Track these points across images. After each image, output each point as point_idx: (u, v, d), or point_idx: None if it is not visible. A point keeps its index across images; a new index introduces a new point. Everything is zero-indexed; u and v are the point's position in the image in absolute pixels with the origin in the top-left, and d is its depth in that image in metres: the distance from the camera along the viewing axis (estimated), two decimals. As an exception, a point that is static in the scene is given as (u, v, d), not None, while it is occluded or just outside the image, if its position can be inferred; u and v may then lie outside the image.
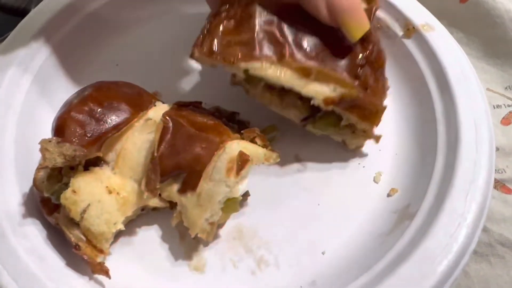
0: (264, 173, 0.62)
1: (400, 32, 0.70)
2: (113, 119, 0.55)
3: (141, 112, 0.57)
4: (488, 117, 0.60)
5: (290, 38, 0.54)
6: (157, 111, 0.58)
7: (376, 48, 0.58)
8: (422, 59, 0.67)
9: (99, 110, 0.55)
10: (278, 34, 0.54)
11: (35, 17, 0.71)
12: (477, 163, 0.56)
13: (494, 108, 0.69)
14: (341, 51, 0.56)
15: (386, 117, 0.65)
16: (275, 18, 0.55)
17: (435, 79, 0.64)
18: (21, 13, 0.82)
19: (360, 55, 0.56)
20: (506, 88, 0.71)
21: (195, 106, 0.61)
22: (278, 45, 0.54)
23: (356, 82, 0.54)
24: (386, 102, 0.67)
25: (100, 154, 0.52)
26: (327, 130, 0.60)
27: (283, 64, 0.53)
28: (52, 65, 0.70)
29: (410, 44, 0.68)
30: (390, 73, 0.69)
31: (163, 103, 0.63)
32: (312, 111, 0.58)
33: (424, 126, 0.63)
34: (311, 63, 0.54)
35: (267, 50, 0.53)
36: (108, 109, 0.56)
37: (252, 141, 0.55)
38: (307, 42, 0.55)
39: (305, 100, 0.56)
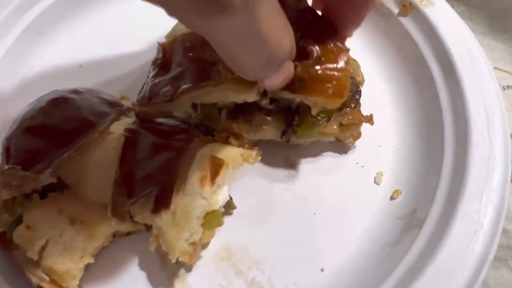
0: (251, 181, 0.55)
1: (395, 9, 0.62)
2: (70, 137, 0.48)
3: (103, 126, 0.49)
4: (500, 101, 0.53)
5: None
6: (121, 124, 0.51)
7: (307, 15, 0.51)
8: (422, 39, 0.59)
9: (53, 127, 0.48)
10: (206, 58, 0.51)
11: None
12: (491, 157, 0.49)
13: (504, 89, 0.62)
14: None
15: (384, 107, 0.59)
16: (197, 46, 0.53)
17: (438, 62, 0.57)
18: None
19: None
20: (516, 65, 0.63)
21: (166, 117, 0.53)
22: (211, 66, 0.51)
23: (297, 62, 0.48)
24: (382, 89, 0.61)
25: (53, 180, 0.45)
26: (313, 135, 0.53)
27: (224, 81, 0.49)
28: (6, 69, 0.62)
29: (407, 22, 0.61)
30: (386, 56, 0.63)
31: (132, 108, 0.55)
32: (287, 122, 0.53)
33: (428, 116, 0.56)
34: None
35: (203, 75, 0.50)
36: (64, 125, 0.48)
37: (227, 142, 0.49)
38: None
39: (273, 113, 0.52)
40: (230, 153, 0.47)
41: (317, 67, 0.48)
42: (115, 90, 0.60)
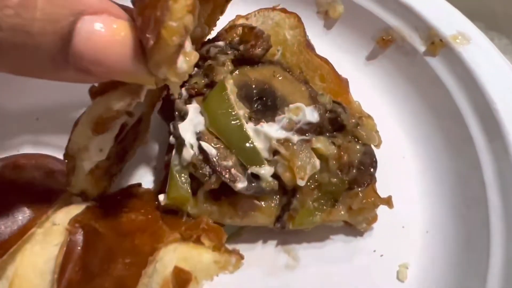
0: (238, 274, 0.43)
1: (421, 47, 0.51)
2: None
3: (44, 216, 0.38)
4: None
5: None
6: (68, 211, 0.40)
7: None
8: (456, 86, 0.48)
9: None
10: None
11: None
12: (557, 260, 0.36)
13: None
14: None
15: (408, 173, 0.49)
16: None
17: (478, 119, 0.46)
18: None
19: None
20: None
21: (128, 192, 0.42)
22: None
23: None
24: (405, 149, 0.49)
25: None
26: (315, 222, 0.43)
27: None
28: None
29: (436, 64, 0.50)
30: (410, 108, 0.52)
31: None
32: (282, 206, 0.43)
33: (466, 191, 0.45)
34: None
35: None
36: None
37: (198, 241, 0.38)
38: None
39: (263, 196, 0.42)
40: (200, 260, 0.37)
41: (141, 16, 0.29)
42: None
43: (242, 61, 0.45)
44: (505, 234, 0.39)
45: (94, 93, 0.35)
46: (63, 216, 0.40)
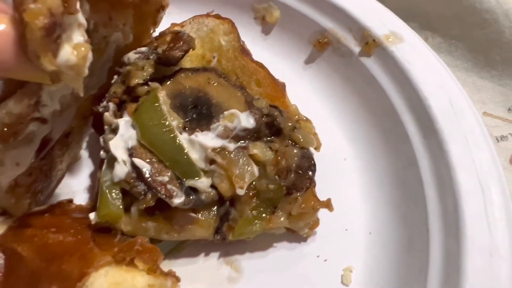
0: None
1: (356, 48, 0.50)
2: None
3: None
4: (498, 169, 0.40)
5: None
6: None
7: None
8: (391, 86, 0.47)
9: None
10: None
11: None
12: (493, 252, 0.36)
13: (498, 141, 0.49)
14: None
15: (349, 175, 0.48)
16: None
17: (413, 116, 0.45)
18: None
19: None
20: (510, 109, 0.51)
21: (57, 209, 0.40)
22: None
23: None
24: (346, 151, 0.49)
25: None
26: (256, 230, 0.41)
27: None
28: None
29: (371, 64, 0.49)
30: (348, 109, 0.51)
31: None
32: (221, 217, 0.41)
33: (405, 188, 0.44)
34: None
35: None
36: None
37: (131, 264, 0.37)
38: None
39: (200, 208, 0.40)
40: (134, 284, 0.36)
41: None
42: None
43: (164, 64, 0.43)
44: (443, 232, 0.39)
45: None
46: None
